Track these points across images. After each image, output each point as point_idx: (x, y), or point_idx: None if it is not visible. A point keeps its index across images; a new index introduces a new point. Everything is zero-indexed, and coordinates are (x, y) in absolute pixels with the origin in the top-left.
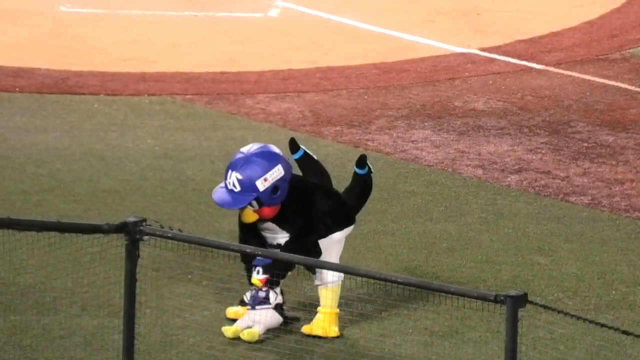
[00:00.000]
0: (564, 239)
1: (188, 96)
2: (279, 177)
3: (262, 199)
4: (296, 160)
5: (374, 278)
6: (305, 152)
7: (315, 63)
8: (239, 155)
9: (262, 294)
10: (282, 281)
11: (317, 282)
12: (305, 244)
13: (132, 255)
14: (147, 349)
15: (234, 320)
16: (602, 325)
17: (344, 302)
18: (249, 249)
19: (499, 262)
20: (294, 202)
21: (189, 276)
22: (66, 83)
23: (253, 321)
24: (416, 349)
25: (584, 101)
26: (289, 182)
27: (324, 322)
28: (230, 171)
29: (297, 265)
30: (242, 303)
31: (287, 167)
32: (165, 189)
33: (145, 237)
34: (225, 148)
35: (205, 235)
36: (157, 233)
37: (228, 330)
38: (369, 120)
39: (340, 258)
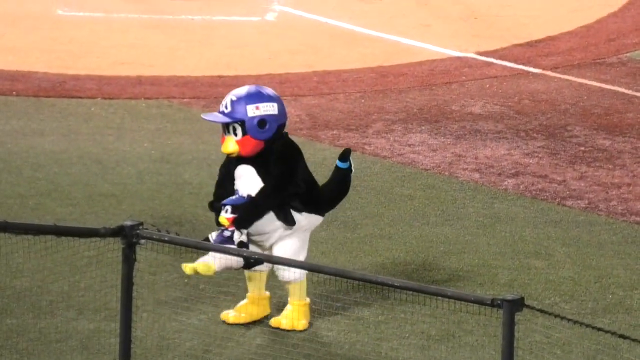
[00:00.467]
0: (561, 243)
1: (185, 100)
2: (271, 113)
3: (247, 126)
4: (338, 168)
5: (371, 282)
6: (348, 168)
7: (312, 67)
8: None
9: (227, 233)
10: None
11: (281, 279)
12: (280, 195)
13: (128, 258)
14: (143, 352)
15: (231, 325)
16: (599, 329)
17: (341, 306)
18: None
19: (496, 266)
20: (279, 150)
21: (186, 280)
22: (63, 87)
23: (213, 257)
24: (413, 353)
25: (581, 105)
26: (281, 134)
27: (292, 314)
28: (228, 94)
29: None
30: (206, 240)
31: (282, 111)
32: (162, 192)
33: (142, 241)
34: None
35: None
36: (154, 237)
37: (186, 267)
38: (366, 124)
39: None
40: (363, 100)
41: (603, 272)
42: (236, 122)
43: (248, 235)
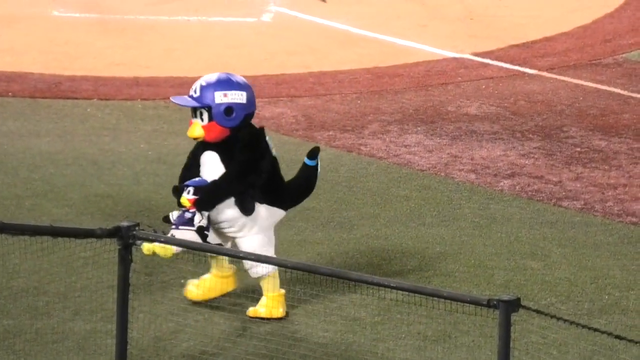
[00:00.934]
0: (557, 244)
1: None
2: (238, 101)
3: (213, 112)
4: (305, 165)
5: (367, 283)
6: (315, 166)
7: (308, 68)
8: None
9: (188, 215)
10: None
11: (253, 276)
12: (241, 182)
13: (125, 259)
14: (139, 353)
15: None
16: (595, 330)
17: (337, 307)
18: (242, 253)
19: (492, 266)
20: (245, 139)
21: (182, 281)
22: (59, 88)
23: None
24: (409, 354)
25: (577, 106)
26: (248, 123)
27: (269, 303)
28: (199, 80)
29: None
30: (165, 219)
31: (250, 100)
32: (159, 193)
33: (138, 242)
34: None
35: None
36: (150, 237)
37: (144, 247)
38: (362, 125)
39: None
40: (359, 101)
41: (599, 272)
42: (203, 107)
43: (209, 219)
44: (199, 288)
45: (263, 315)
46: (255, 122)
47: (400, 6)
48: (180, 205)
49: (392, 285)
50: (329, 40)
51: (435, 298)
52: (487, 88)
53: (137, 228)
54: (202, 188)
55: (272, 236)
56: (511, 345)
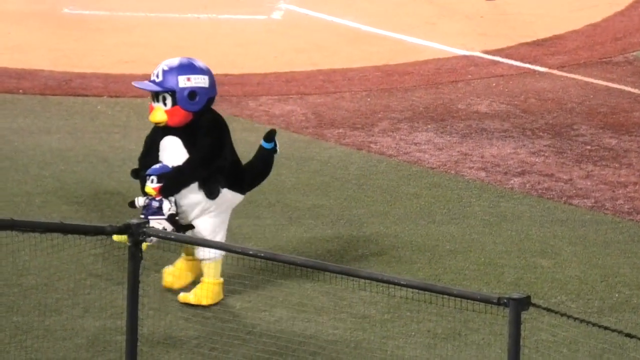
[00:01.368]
0: (567, 242)
1: None
2: (202, 85)
3: (177, 97)
4: (262, 148)
5: (377, 280)
6: (273, 148)
7: (318, 65)
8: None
9: (155, 204)
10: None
11: (199, 257)
12: (206, 167)
13: (135, 256)
14: (150, 350)
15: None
16: (605, 328)
17: (347, 304)
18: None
19: (502, 264)
20: (208, 123)
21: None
22: (69, 85)
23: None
24: (419, 352)
25: (587, 104)
26: (210, 108)
27: (200, 292)
28: (160, 64)
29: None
30: (131, 205)
31: (212, 85)
32: None
33: (148, 239)
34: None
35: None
36: (160, 234)
37: (115, 237)
38: (372, 123)
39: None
40: (369, 99)
41: (609, 270)
42: (167, 91)
43: (177, 205)
44: (172, 275)
45: (192, 302)
46: (264, 119)
47: (409, 4)
48: (144, 193)
49: (402, 282)
50: (338, 38)
51: (445, 296)
52: (497, 86)
53: (146, 225)
54: (166, 175)
55: (226, 219)
56: (521, 343)
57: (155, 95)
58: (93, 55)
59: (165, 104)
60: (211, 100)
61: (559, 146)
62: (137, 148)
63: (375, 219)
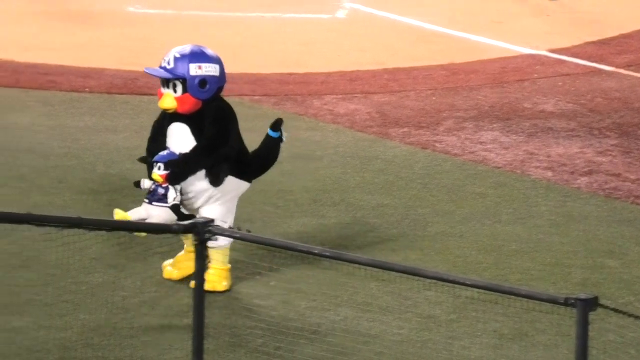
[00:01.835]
0: (635, 242)
1: (256, 97)
2: (212, 74)
3: (188, 84)
4: (268, 137)
5: (442, 280)
6: (279, 137)
7: (382, 64)
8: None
9: (161, 191)
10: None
11: (208, 244)
12: (212, 155)
13: (201, 255)
14: (215, 349)
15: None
16: None
17: (412, 304)
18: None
19: (569, 264)
20: (216, 111)
21: (257, 277)
22: (135, 83)
23: (148, 215)
24: (485, 352)
25: None
26: (219, 96)
27: (213, 277)
28: (170, 51)
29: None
30: (136, 184)
31: (222, 74)
32: None
33: (214, 238)
34: (292, 149)
35: (272, 236)
36: (226, 233)
37: (118, 213)
38: (436, 122)
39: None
40: (434, 98)
41: None
42: (177, 78)
43: (181, 193)
44: (174, 267)
45: (206, 288)
46: (329, 119)
47: (475, 2)
48: (151, 178)
49: (467, 282)
50: (403, 37)
51: (512, 296)
52: (563, 85)
53: (212, 224)
54: (172, 162)
55: (233, 207)
56: (589, 344)
57: (166, 82)
58: (158, 54)
59: (175, 91)
60: (220, 88)
61: (626, 146)
62: None
63: (440, 218)
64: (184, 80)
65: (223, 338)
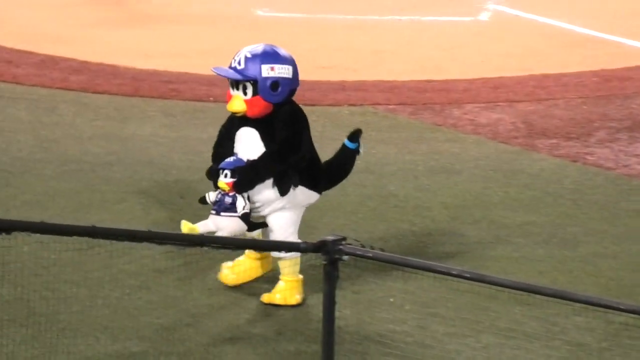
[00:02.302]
0: None
1: (391, 106)
2: (285, 76)
3: (259, 86)
4: (345, 147)
5: (593, 304)
6: (356, 149)
7: (528, 70)
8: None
9: (228, 200)
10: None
11: (273, 255)
12: (282, 163)
13: (330, 276)
14: None
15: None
16: None
17: (560, 330)
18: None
19: None
20: (287, 116)
21: (391, 299)
22: None
23: (217, 227)
24: None
25: None
26: (291, 100)
27: (284, 291)
28: (241, 50)
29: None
30: (202, 201)
31: (295, 75)
32: (366, 205)
33: (345, 257)
34: (430, 162)
35: (408, 256)
36: (358, 253)
37: (185, 226)
38: (587, 133)
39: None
40: (585, 107)
41: None
42: (248, 80)
43: (250, 201)
44: (232, 271)
45: (278, 302)
46: (469, 129)
47: (629, 4)
48: (216, 187)
49: (622, 307)
50: (551, 41)
51: None
52: None
53: (343, 242)
54: (240, 170)
55: (299, 217)
56: None
57: (235, 83)
58: None
59: (245, 94)
60: (293, 92)
61: None
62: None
63: (592, 237)
64: (254, 82)
65: None
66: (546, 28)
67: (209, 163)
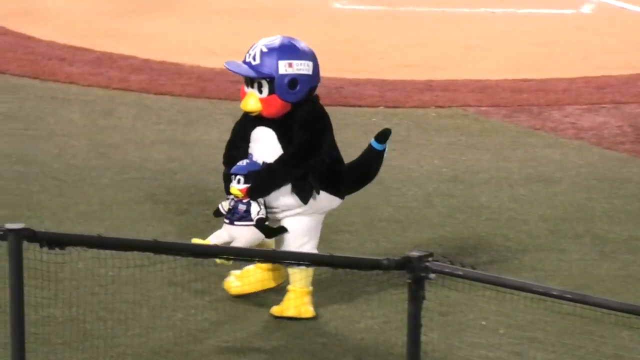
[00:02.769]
0: None
1: (483, 108)
2: (304, 72)
3: (276, 84)
4: (371, 148)
5: None
6: (383, 151)
7: (636, 69)
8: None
9: (242, 207)
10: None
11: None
12: (301, 166)
13: (416, 296)
14: None
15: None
16: None
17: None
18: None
19: None
20: (307, 116)
21: (483, 322)
22: (340, 93)
23: (231, 237)
24: None
25: None
26: (311, 98)
27: (295, 302)
28: (257, 43)
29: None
30: (217, 213)
31: (316, 72)
32: (455, 218)
33: (432, 275)
34: (526, 170)
35: (502, 274)
36: (446, 270)
37: (195, 241)
38: None
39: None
40: None
41: None
42: (264, 77)
43: (265, 206)
44: (239, 279)
45: (291, 314)
46: (571, 133)
47: None
48: (229, 193)
49: None
50: None
51: None
52: None
53: (429, 259)
54: (254, 174)
55: (319, 224)
56: None
57: (250, 80)
58: (368, 58)
59: (260, 91)
60: (313, 89)
61: None
62: (418, 167)
63: None
64: (271, 80)
65: None
66: None
67: None
